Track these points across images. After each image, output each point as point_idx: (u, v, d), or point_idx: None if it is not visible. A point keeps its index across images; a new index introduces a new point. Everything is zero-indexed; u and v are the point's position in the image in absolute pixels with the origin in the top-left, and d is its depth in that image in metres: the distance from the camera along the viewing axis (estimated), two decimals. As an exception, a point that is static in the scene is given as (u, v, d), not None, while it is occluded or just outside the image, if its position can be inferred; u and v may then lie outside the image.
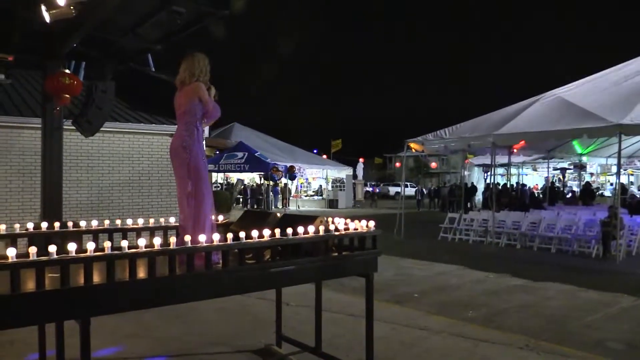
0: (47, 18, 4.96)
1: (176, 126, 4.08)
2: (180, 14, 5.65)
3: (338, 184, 31.97)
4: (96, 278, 2.83)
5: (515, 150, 16.62)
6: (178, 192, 4.05)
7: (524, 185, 26.35)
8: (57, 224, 4.12)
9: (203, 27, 6.29)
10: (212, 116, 4.07)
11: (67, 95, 6.63)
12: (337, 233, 3.90)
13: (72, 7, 4.81)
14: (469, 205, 23.34)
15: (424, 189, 33.07)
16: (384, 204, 34.03)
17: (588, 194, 20.07)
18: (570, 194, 23.29)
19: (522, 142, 14.70)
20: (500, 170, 24.29)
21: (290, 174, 25.41)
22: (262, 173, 24.74)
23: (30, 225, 4.05)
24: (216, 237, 3.34)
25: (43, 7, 4.93)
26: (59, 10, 4.84)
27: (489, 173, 22.95)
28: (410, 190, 33.91)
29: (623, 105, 11.53)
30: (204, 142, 4.06)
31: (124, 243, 2.98)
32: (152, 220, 4.57)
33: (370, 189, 36.13)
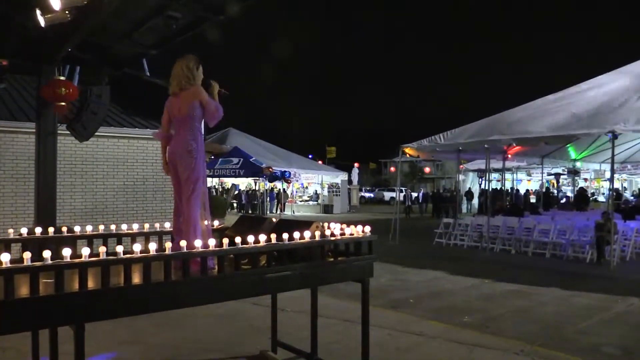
0: (42, 23, 4.95)
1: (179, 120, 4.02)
2: (176, 19, 5.66)
3: (334, 189, 32.00)
4: (91, 284, 2.81)
5: (509, 156, 16.67)
6: (175, 197, 4.04)
7: (518, 190, 26.46)
8: (51, 229, 4.10)
9: (199, 32, 6.29)
10: (216, 117, 3.97)
11: (64, 104, 6.64)
12: (333, 238, 3.90)
13: (67, 12, 4.81)
14: (464, 210, 23.40)
15: (412, 194, 31.88)
16: (378, 209, 34.05)
17: (582, 199, 20.14)
18: (564, 200, 23.36)
19: (516, 148, 14.76)
20: (495, 176, 24.38)
21: (282, 176, 25.38)
22: (258, 178, 24.73)
23: (24, 231, 4.02)
24: (212, 242, 3.33)
25: (38, 12, 4.92)
26: (54, 15, 4.83)
27: (483, 178, 23.02)
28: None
29: (616, 111, 11.60)
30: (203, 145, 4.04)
31: (119, 248, 2.96)
32: (147, 226, 4.56)
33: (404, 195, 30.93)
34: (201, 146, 3.95)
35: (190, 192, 3.84)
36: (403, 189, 38.11)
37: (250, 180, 29.80)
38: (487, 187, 18.41)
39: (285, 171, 25.94)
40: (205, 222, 3.95)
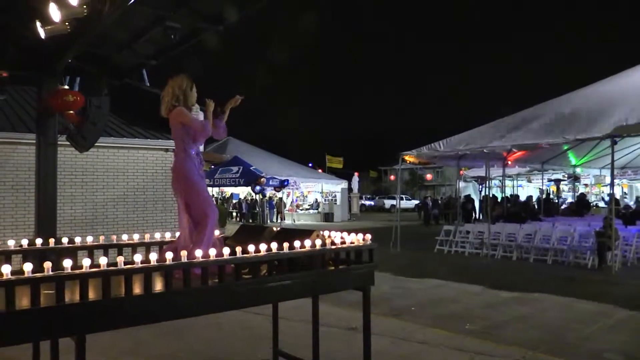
0: (42, 34, 4.98)
1: (171, 140, 4.15)
2: (175, 30, 5.68)
3: (330, 197, 31.95)
4: (92, 294, 2.80)
5: (509, 162, 16.69)
6: (180, 217, 4.10)
7: (518, 196, 26.38)
8: (51, 240, 4.10)
9: (198, 42, 6.32)
10: (203, 134, 4.04)
11: (72, 112, 6.70)
12: (333, 247, 3.89)
13: (67, 24, 4.83)
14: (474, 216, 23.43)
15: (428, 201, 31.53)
16: (379, 217, 34.03)
17: (583, 204, 20.13)
18: (565, 205, 23.34)
19: (516, 154, 14.78)
20: (495, 182, 24.36)
21: (281, 185, 25.38)
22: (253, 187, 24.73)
23: (24, 242, 4.02)
24: (212, 252, 3.32)
25: (38, 24, 4.95)
26: (54, 27, 4.86)
27: (483, 185, 23.02)
28: (405, 203, 33.78)
29: (615, 114, 11.63)
30: (196, 164, 4.05)
31: (120, 259, 2.96)
32: (147, 236, 4.55)
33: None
34: (191, 164, 3.98)
35: (194, 212, 3.91)
36: (404, 196, 38.15)
37: (250, 189, 29.81)
38: (487, 194, 18.40)
39: (284, 179, 25.97)
40: (217, 232, 4.01)
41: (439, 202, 30.70)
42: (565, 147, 16.75)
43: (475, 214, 24.36)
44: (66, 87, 6.84)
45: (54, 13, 4.67)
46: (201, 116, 4.13)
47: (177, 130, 3.98)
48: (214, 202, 4.22)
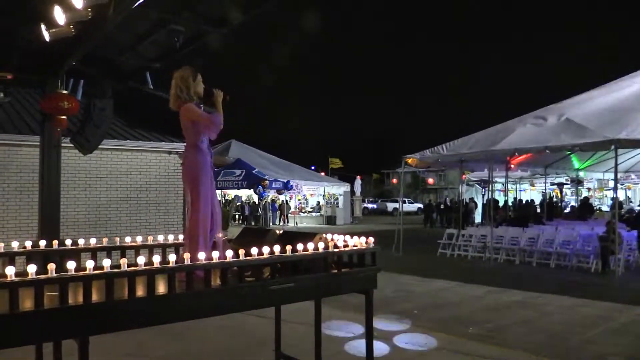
0: (47, 37, 4.99)
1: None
2: (179, 33, 5.70)
3: (332, 200, 31.95)
4: (95, 296, 2.81)
5: (512, 166, 16.66)
6: (186, 206, 4.15)
7: (521, 201, 26.36)
8: (55, 242, 4.10)
9: (202, 45, 6.33)
10: (212, 129, 3.93)
11: (64, 117, 6.69)
12: (336, 250, 3.89)
13: (71, 27, 4.84)
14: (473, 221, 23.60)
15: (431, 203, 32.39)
16: (381, 220, 33.99)
17: (587, 208, 20.08)
18: (568, 209, 23.28)
19: (519, 157, 14.76)
20: (498, 186, 24.35)
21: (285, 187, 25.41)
22: (256, 189, 24.77)
23: (28, 244, 4.03)
24: (215, 254, 3.32)
25: (43, 26, 4.97)
26: (58, 30, 4.87)
27: (486, 189, 23.00)
28: (407, 206, 33.88)
29: (619, 120, 11.60)
30: (207, 158, 4.03)
31: (123, 261, 2.96)
32: (150, 238, 4.56)
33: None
34: (199, 159, 3.95)
35: (192, 210, 3.92)
36: (406, 199, 38.16)
37: (252, 192, 29.82)
38: (490, 197, 18.39)
39: (287, 181, 25.97)
40: (219, 235, 4.00)
41: (442, 205, 30.95)
42: (568, 152, 16.74)
43: (472, 217, 24.68)
44: (64, 91, 6.84)
45: (59, 16, 4.68)
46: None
47: (187, 126, 3.95)
48: (217, 202, 4.19)
